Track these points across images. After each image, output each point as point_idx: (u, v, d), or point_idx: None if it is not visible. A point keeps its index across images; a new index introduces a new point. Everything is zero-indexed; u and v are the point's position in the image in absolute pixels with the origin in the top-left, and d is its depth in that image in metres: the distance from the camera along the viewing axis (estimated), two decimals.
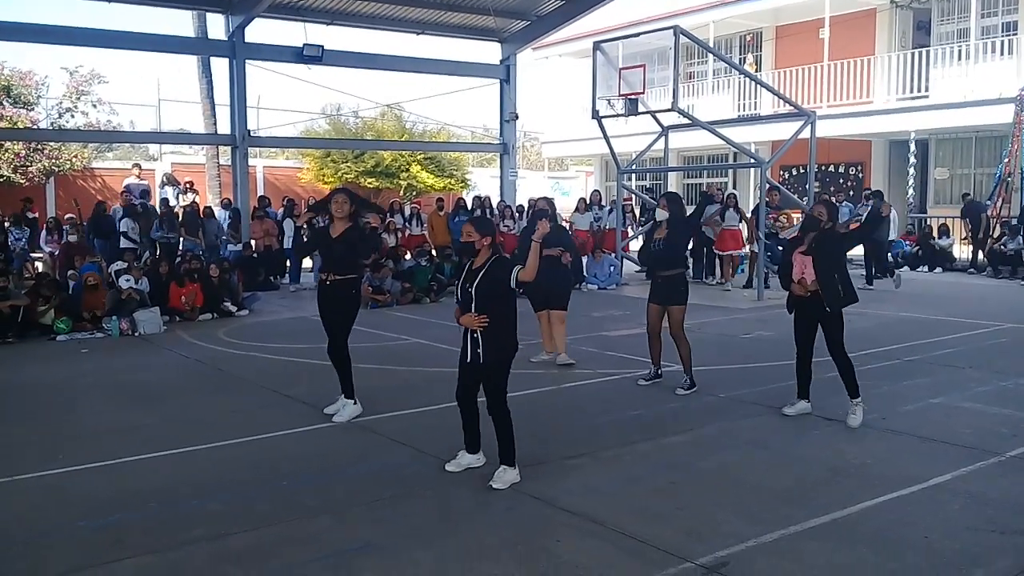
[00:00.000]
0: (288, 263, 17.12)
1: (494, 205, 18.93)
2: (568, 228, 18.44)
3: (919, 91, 21.45)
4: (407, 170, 28.23)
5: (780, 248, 16.30)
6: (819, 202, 7.05)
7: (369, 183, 28.13)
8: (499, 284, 5.38)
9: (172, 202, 18.02)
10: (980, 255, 18.62)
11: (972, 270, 18.53)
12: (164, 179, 20.48)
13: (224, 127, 21.03)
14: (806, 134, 15.13)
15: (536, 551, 4.43)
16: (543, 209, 8.82)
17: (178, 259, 14.47)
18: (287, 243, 16.75)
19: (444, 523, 4.85)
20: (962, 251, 19.62)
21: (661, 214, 7.85)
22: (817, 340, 6.85)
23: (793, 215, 16.04)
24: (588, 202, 18.68)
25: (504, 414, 5.45)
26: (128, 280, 11.98)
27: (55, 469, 5.88)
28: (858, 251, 17.65)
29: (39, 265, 16.37)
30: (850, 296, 6.70)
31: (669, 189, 21.24)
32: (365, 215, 7.38)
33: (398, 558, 4.37)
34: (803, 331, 6.90)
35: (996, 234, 18.46)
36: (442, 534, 4.69)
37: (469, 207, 18.52)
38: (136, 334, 11.48)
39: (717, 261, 16.46)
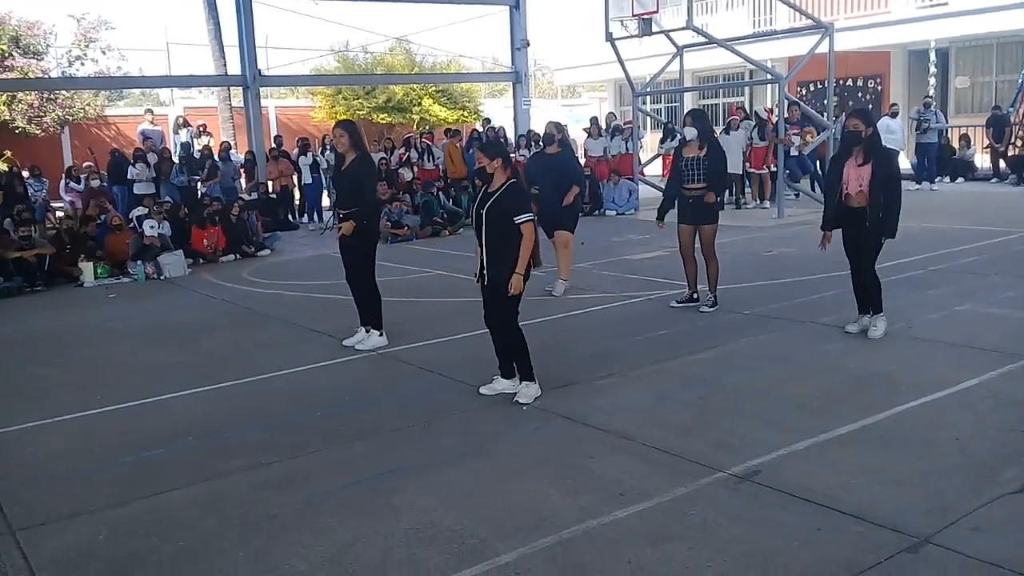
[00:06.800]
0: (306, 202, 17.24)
1: (508, 134, 18.70)
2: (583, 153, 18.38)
3: None
4: (419, 104, 28.03)
5: (800, 167, 16.13)
6: (850, 114, 6.61)
7: (381, 118, 27.96)
8: (507, 214, 5.38)
9: (188, 143, 18.00)
10: (1002, 164, 18.33)
11: (995, 179, 18.29)
12: (179, 122, 20.41)
13: (234, 68, 20.84)
14: (824, 48, 14.82)
15: (569, 468, 4.49)
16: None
17: (199, 203, 14.50)
18: (307, 178, 16.85)
19: (476, 445, 4.92)
20: (984, 160, 19.33)
21: (690, 132, 7.74)
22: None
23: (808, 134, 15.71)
24: (601, 127, 18.34)
25: (511, 333, 5.55)
26: (152, 226, 12.03)
27: (93, 409, 5.99)
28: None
29: (59, 214, 16.47)
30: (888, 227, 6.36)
31: (686, 110, 20.87)
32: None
33: (433, 479, 4.45)
34: (851, 246, 6.60)
35: (1019, 142, 18.15)
36: (474, 455, 4.76)
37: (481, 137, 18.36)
38: (161, 278, 11.59)
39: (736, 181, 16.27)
